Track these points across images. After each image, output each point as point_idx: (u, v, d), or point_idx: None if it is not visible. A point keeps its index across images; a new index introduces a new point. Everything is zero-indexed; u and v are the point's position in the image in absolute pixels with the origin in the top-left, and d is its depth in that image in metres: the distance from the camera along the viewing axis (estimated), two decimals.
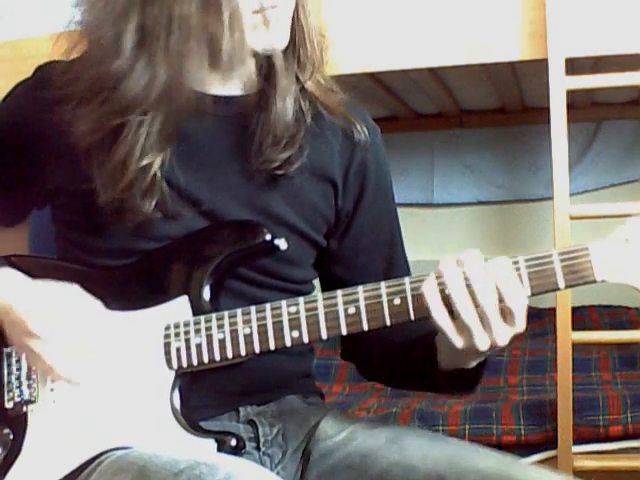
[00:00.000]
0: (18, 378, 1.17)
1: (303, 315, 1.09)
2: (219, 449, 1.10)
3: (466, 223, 3.57)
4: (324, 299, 1.09)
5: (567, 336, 1.84)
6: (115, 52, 1.08)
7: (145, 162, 1.11)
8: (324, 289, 1.29)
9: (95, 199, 1.12)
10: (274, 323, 1.09)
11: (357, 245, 1.27)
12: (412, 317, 1.06)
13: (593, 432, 1.98)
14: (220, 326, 1.10)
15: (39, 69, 1.21)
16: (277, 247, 1.14)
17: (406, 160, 3.55)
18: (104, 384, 1.13)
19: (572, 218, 1.82)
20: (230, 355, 1.10)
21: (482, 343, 1.01)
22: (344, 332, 1.08)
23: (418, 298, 1.05)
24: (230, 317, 1.11)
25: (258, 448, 1.19)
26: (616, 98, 3.24)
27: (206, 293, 1.13)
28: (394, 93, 2.99)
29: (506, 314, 1.01)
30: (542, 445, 2.00)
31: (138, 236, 1.16)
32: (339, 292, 1.08)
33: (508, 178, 3.50)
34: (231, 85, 1.18)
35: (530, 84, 2.82)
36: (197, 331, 1.11)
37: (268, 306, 1.10)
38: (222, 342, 1.10)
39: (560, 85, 1.81)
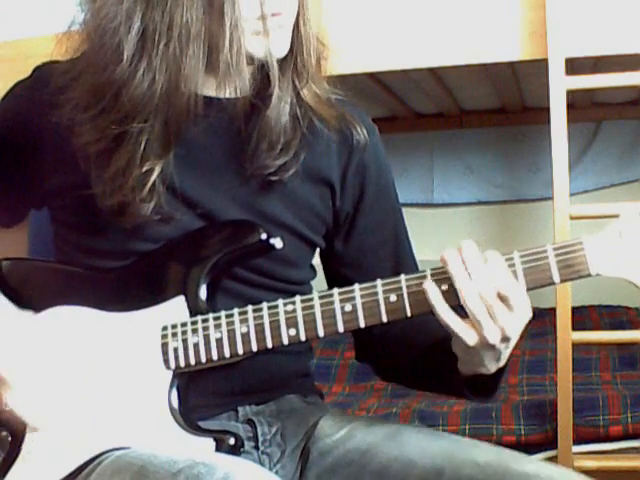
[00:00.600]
0: None
1: (300, 313, 1.09)
2: (218, 448, 1.10)
3: (466, 223, 3.57)
4: (320, 297, 1.09)
5: (567, 336, 1.84)
6: (116, 59, 1.08)
7: (146, 168, 1.11)
8: None
9: (94, 202, 1.13)
10: (271, 322, 1.10)
11: (363, 245, 1.27)
12: (409, 314, 1.07)
13: (593, 432, 1.98)
14: (217, 325, 1.11)
15: (38, 69, 1.21)
16: (272, 246, 1.14)
17: (406, 160, 3.54)
18: (103, 384, 1.13)
19: (572, 218, 1.82)
20: (228, 354, 1.10)
21: (491, 334, 1.01)
22: (341, 329, 1.09)
23: (414, 295, 1.06)
24: (227, 316, 1.11)
25: (257, 447, 1.19)
26: (616, 98, 3.24)
27: (202, 293, 1.13)
28: (394, 93, 2.99)
29: (506, 302, 1.01)
30: (542, 445, 2.00)
31: (135, 238, 1.16)
32: (335, 290, 1.09)
33: (508, 178, 3.50)
34: (226, 88, 1.18)
35: (530, 84, 2.82)
36: (194, 331, 1.11)
37: (265, 305, 1.10)
38: (219, 341, 1.10)
39: (560, 85, 1.81)
